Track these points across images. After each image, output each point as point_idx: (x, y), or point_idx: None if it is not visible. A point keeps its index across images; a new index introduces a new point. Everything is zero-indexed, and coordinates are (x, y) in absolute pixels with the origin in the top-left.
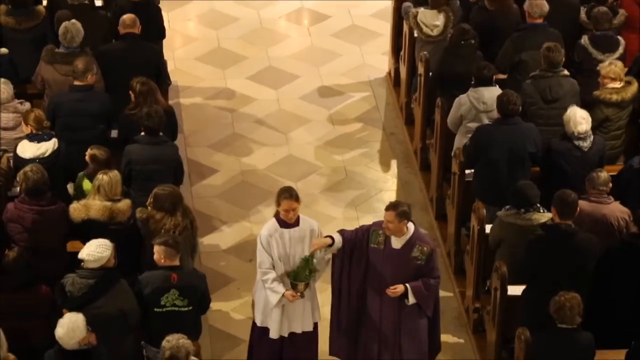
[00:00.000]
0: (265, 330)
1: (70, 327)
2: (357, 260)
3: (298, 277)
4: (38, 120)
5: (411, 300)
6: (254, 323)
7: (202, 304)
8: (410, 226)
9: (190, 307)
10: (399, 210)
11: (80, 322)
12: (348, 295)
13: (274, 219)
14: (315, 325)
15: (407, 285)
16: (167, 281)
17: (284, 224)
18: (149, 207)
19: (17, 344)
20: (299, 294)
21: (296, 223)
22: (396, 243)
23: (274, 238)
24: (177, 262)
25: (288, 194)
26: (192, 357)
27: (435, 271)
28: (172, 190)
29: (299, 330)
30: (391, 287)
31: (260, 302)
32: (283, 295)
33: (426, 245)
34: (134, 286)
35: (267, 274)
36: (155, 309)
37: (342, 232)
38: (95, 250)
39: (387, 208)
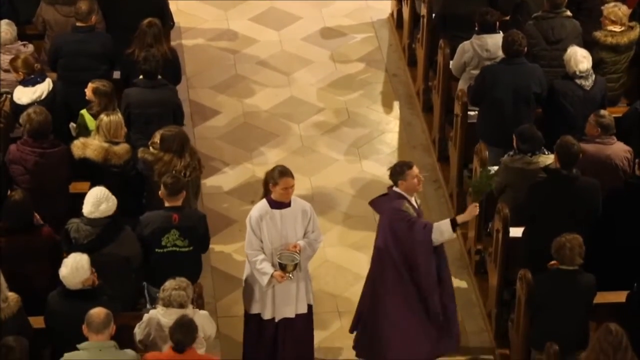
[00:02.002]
0: (257, 316)
1: (75, 266)
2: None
3: (480, 188)
4: (27, 65)
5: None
6: (245, 314)
7: (203, 244)
8: None
9: (191, 248)
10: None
11: (84, 262)
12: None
13: (264, 200)
14: (310, 307)
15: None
16: (168, 222)
17: (275, 204)
18: (150, 148)
19: (20, 286)
20: (287, 274)
21: (288, 204)
22: (414, 201)
23: (264, 220)
24: (179, 203)
25: (285, 172)
26: (189, 305)
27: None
28: (179, 131)
29: (292, 315)
30: None
31: (249, 288)
32: (272, 275)
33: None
34: (135, 228)
35: (255, 256)
36: (156, 250)
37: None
38: (97, 208)
39: (411, 165)
